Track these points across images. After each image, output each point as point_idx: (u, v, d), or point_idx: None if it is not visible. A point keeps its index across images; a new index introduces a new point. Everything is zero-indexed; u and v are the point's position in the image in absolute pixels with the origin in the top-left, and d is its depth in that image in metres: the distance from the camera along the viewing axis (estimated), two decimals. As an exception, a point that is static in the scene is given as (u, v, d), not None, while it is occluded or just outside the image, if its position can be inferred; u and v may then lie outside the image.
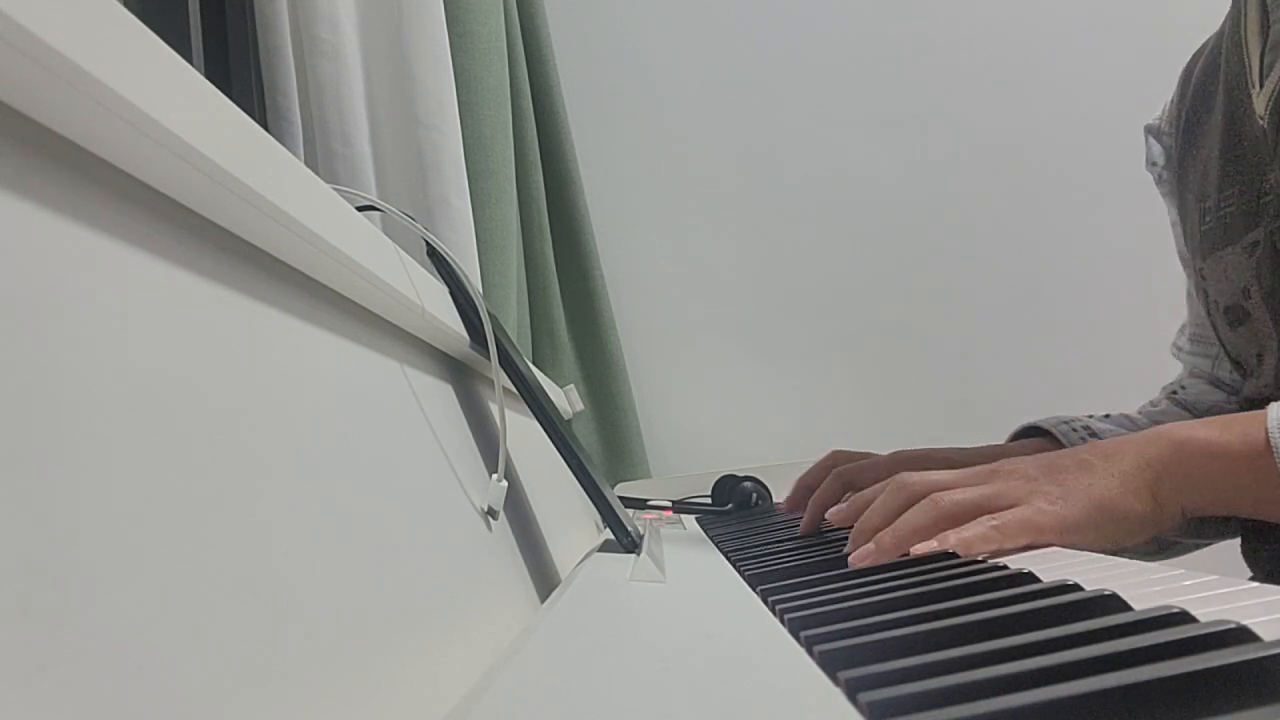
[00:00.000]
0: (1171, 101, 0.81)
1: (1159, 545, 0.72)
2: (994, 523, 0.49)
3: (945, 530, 0.50)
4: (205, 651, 0.20)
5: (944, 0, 1.59)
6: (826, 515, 0.59)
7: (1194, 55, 0.80)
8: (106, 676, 0.17)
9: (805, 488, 0.73)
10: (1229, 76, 0.70)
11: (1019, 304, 1.54)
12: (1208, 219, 0.71)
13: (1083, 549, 0.49)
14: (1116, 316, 1.52)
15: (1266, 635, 0.24)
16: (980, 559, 0.45)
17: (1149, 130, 0.84)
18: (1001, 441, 0.81)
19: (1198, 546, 0.72)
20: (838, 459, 0.76)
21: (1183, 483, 0.52)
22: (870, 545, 0.51)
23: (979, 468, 0.55)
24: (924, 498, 0.52)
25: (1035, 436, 0.78)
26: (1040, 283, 1.54)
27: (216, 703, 0.20)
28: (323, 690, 0.24)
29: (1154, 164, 0.83)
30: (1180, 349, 0.88)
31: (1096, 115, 1.55)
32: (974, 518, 0.50)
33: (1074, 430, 0.75)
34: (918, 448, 0.77)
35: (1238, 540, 0.69)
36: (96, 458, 0.19)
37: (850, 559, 0.51)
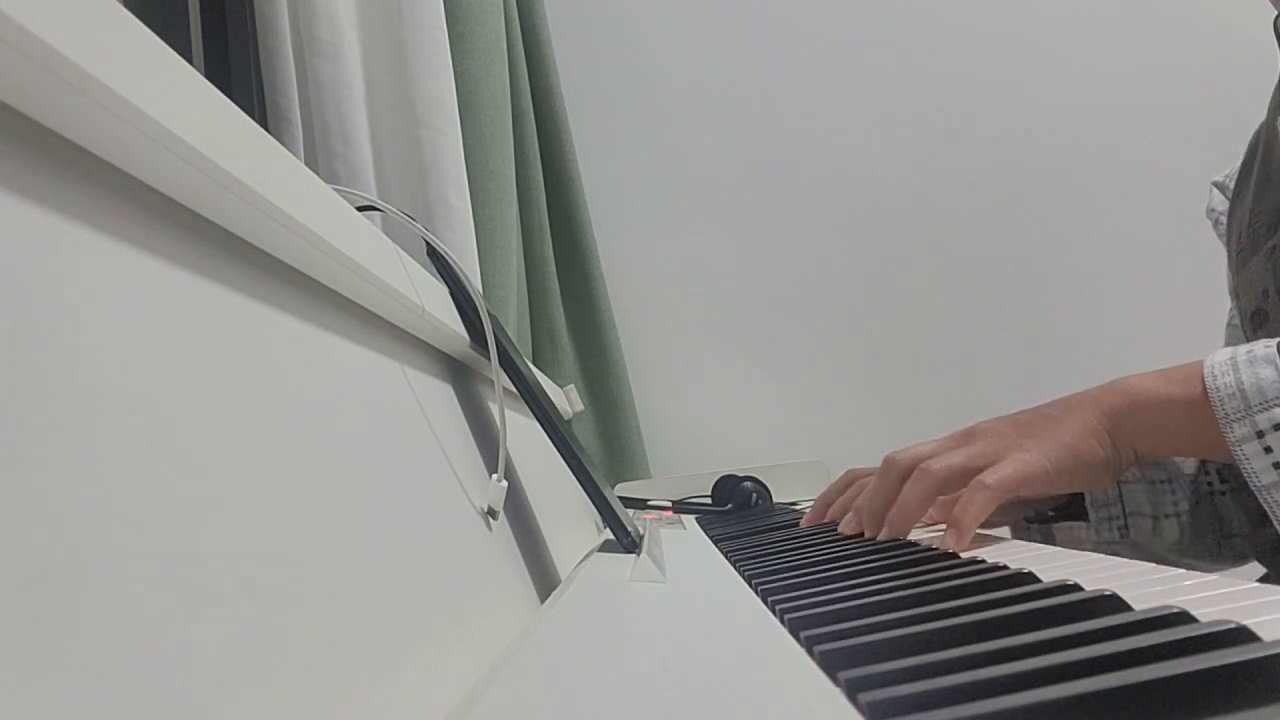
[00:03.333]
0: (1239, 165, 0.85)
1: (1147, 557, 0.73)
2: (988, 481, 0.55)
3: (943, 491, 0.57)
4: (205, 651, 0.20)
5: (944, 1, 1.59)
6: (839, 529, 0.64)
7: (1261, 125, 0.84)
8: (106, 676, 0.17)
9: (824, 503, 0.75)
10: (1269, 118, 0.76)
11: (1019, 304, 1.54)
12: (1242, 238, 0.76)
13: (1058, 491, 0.57)
14: (1118, 318, 1.52)
15: (1266, 635, 0.24)
16: (980, 559, 0.45)
17: (1215, 185, 0.89)
18: None
19: (1189, 566, 0.73)
20: (853, 476, 0.78)
21: (1132, 428, 0.58)
22: (886, 530, 0.58)
23: (956, 433, 0.62)
24: (913, 470, 0.58)
25: None
26: (1041, 284, 1.54)
27: (216, 703, 0.20)
28: (323, 690, 0.24)
29: (1213, 210, 0.88)
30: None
31: (1100, 118, 1.55)
32: (962, 479, 0.57)
33: None
34: None
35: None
36: (97, 458, 0.19)
37: (868, 533, 0.59)
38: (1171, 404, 0.57)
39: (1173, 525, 0.70)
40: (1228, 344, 0.87)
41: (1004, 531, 0.73)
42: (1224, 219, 0.85)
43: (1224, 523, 0.69)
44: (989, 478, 0.55)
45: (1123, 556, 0.72)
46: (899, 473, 0.60)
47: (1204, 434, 0.55)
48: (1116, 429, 0.59)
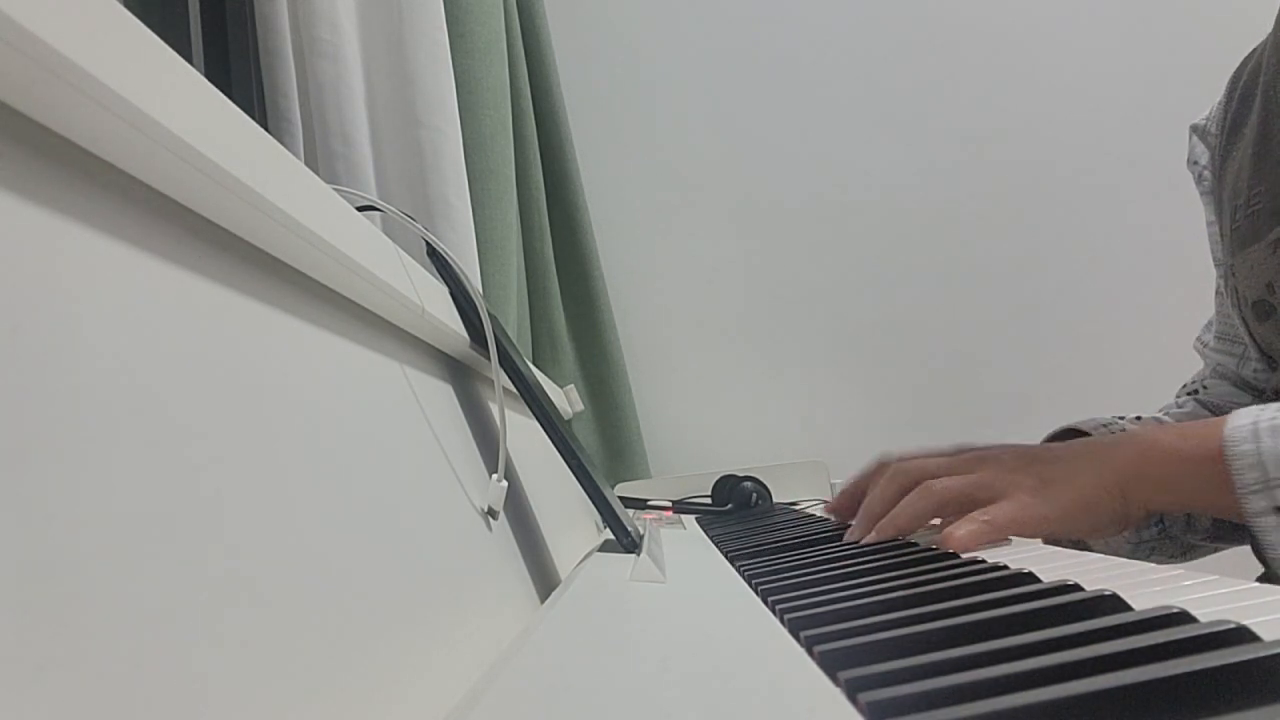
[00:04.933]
0: (1218, 104, 0.82)
1: (1183, 548, 0.73)
2: (985, 518, 0.54)
3: (937, 514, 0.57)
4: (205, 651, 0.20)
5: (944, 1, 1.59)
6: (846, 536, 0.64)
7: (1243, 60, 0.82)
8: (106, 676, 0.17)
9: (855, 493, 0.74)
10: (1268, 80, 0.73)
11: (1020, 304, 1.54)
12: (1239, 216, 0.74)
13: (1059, 537, 0.56)
14: (1118, 317, 1.52)
15: (1266, 635, 0.24)
16: (980, 559, 0.45)
17: (1194, 130, 0.85)
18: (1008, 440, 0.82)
19: (1216, 550, 0.73)
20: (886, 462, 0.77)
21: (1147, 484, 0.56)
22: (872, 533, 0.59)
23: (966, 455, 0.61)
24: (917, 484, 0.58)
25: (1072, 439, 0.79)
26: (1041, 283, 1.54)
27: (217, 702, 0.20)
28: (323, 690, 0.24)
29: (1195, 163, 0.84)
30: (1205, 344, 0.88)
31: (1099, 115, 1.55)
32: (960, 505, 0.56)
33: (1111, 433, 0.76)
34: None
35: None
36: (97, 458, 0.19)
37: (848, 535, 0.60)
38: (1185, 463, 0.56)
39: (1205, 515, 0.69)
40: (1218, 314, 0.86)
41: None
42: (1207, 173, 0.83)
43: None
44: (988, 514, 0.54)
45: (1160, 550, 0.73)
46: (902, 484, 0.60)
47: (1220, 498, 0.53)
48: (1129, 484, 0.57)
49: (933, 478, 0.58)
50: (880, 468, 0.74)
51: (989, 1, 1.59)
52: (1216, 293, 0.86)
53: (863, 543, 0.58)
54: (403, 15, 0.95)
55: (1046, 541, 0.70)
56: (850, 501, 0.72)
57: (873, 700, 0.22)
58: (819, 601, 0.37)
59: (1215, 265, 0.84)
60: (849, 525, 0.64)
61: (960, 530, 0.52)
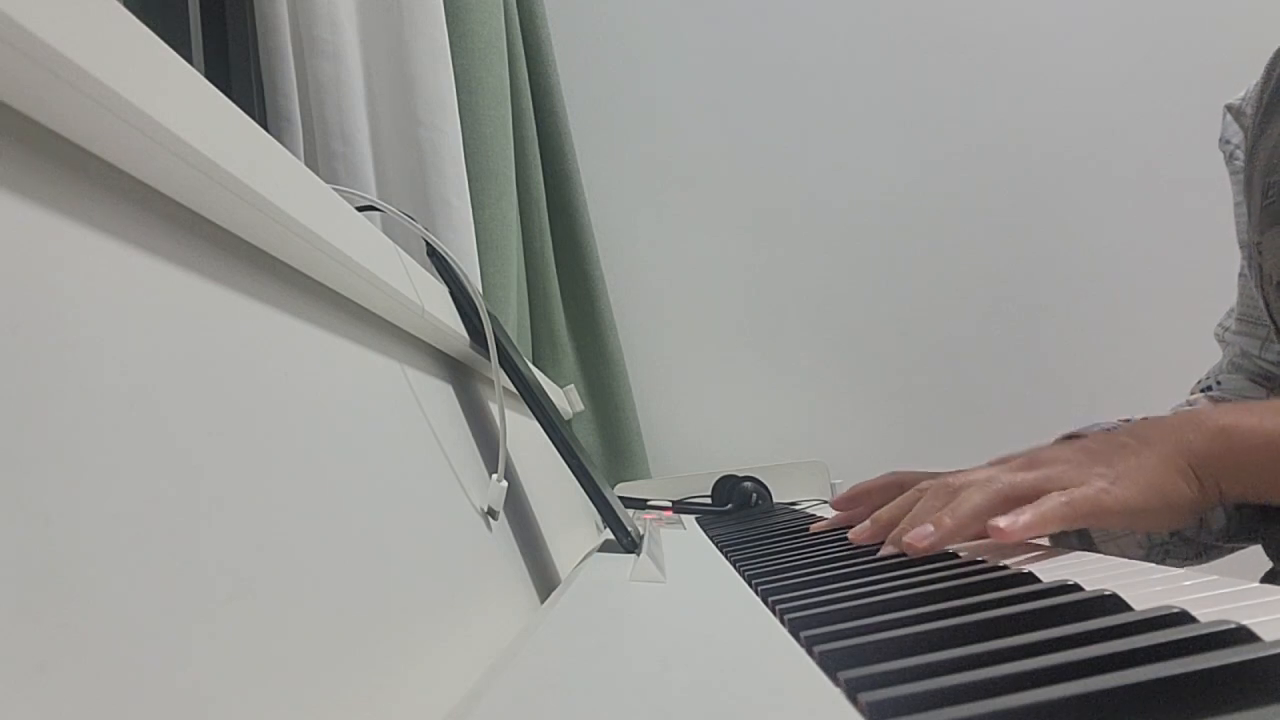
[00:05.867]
0: (1255, 85, 0.81)
1: (1198, 550, 0.72)
2: (1064, 498, 0.48)
3: (1007, 509, 0.48)
4: (205, 651, 0.20)
5: (945, 2, 1.59)
6: (849, 535, 0.56)
7: None
8: (106, 676, 0.17)
9: (861, 490, 0.69)
10: None
11: (1020, 306, 1.54)
12: (1270, 194, 0.71)
13: (1138, 529, 0.50)
14: (1121, 318, 1.52)
15: (1266, 635, 0.24)
16: (980, 559, 0.45)
17: (1229, 109, 0.83)
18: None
19: (1231, 550, 0.73)
20: (903, 480, 0.71)
21: (1222, 468, 0.52)
22: (928, 527, 0.48)
23: (1016, 460, 0.54)
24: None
25: None
26: (1042, 283, 1.54)
27: (217, 702, 0.20)
28: (323, 690, 0.24)
29: (1227, 142, 0.83)
30: (1226, 329, 0.87)
31: (1106, 118, 1.55)
32: (1032, 499, 0.49)
33: (1189, 407, 0.74)
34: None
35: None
36: (96, 457, 0.19)
37: (906, 540, 0.48)
38: (1272, 444, 0.51)
39: (1219, 513, 0.67)
40: (1240, 297, 0.86)
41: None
42: (1239, 152, 0.82)
43: (1267, 505, 0.67)
44: (1067, 495, 0.48)
45: (1174, 553, 0.71)
46: (954, 492, 0.52)
47: None
48: (1204, 467, 0.52)
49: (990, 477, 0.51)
50: (892, 482, 0.67)
51: (992, 3, 1.59)
52: (1239, 275, 0.85)
53: (923, 544, 0.48)
54: (403, 15, 0.95)
55: (1101, 540, 0.65)
56: (856, 504, 0.66)
57: (873, 700, 0.22)
58: (819, 601, 0.37)
59: (1240, 247, 0.84)
60: (847, 527, 0.57)
61: (1040, 507, 0.46)
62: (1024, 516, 0.46)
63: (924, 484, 0.57)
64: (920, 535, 0.48)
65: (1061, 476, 0.50)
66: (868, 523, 0.55)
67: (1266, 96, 0.77)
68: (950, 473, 0.56)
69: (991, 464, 0.58)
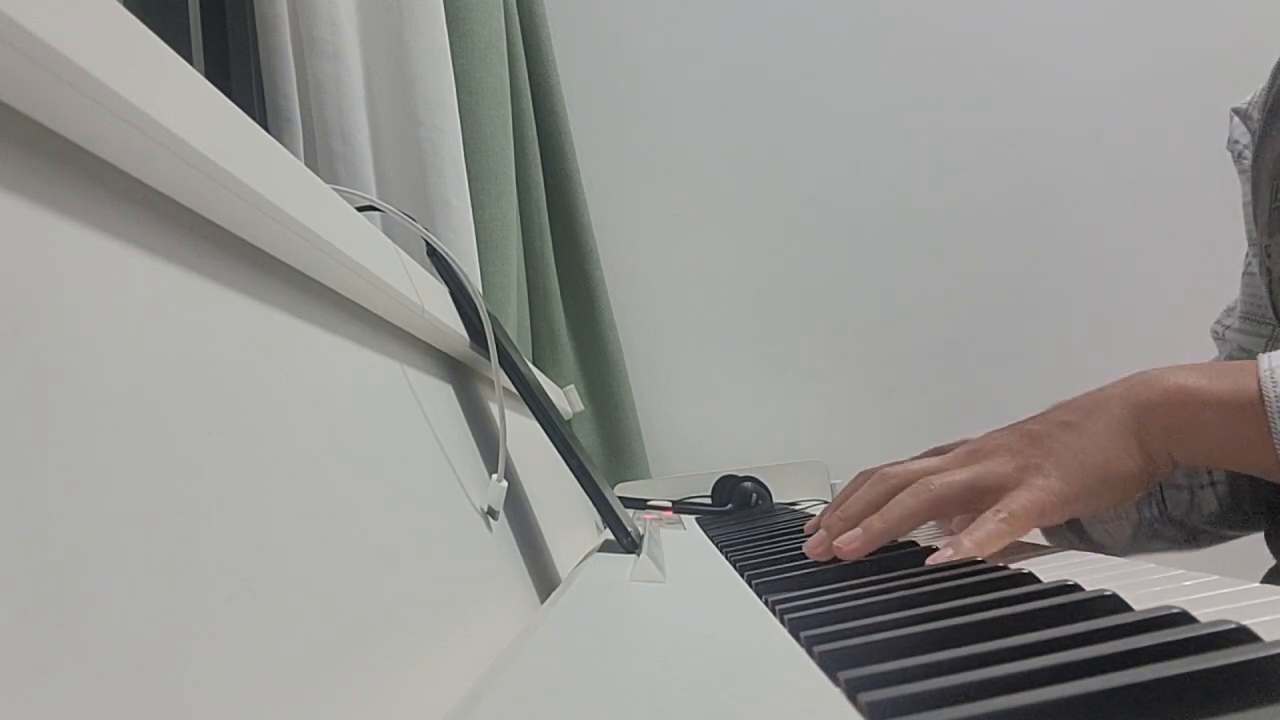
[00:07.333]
0: (1262, 88, 0.81)
1: (1188, 534, 0.71)
2: (1001, 515, 0.47)
3: (935, 515, 0.50)
4: (205, 652, 0.20)
5: (945, 2, 1.59)
6: (804, 548, 0.54)
7: None
8: (106, 677, 0.17)
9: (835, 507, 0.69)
10: None
11: (1019, 306, 1.54)
12: (1278, 197, 0.70)
13: (1084, 515, 0.48)
14: (1121, 319, 1.52)
15: (1266, 635, 0.24)
16: (980, 559, 0.45)
17: (1236, 112, 0.83)
18: None
19: (1224, 538, 0.72)
20: (866, 477, 0.70)
21: (1171, 432, 0.50)
22: (857, 531, 0.49)
23: (959, 450, 0.53)
24: (907, 486, 0.51)
25: None
26: (1042, 285, 1.54)
27: (217, 703, 0.20)
28: (323, 690, 0.24)
29: (1236, 142, 0.83)
30: (1227, 328, 0.87)
31: (1103, 119, 1.55)
32: (965, 499, 0.49)
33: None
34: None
35: (1243, 537, 0.69)
36: (96, 458, 0.19)
37: (835, 544, 0.49)
38: (1220, 407, 0.49)
39: (1209, 496, 0.66)
40: (1244, 294, 0.86)
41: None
42: (1247, 152, 0.82)
43: (1258, 487, 0.65)
44: (1005, 509, 0.47)
45: (1163, 535, 0.70)
46: (891, 486, 0.52)
47: (1257, 448, 0.47)
48: (1148, 432, 0.50)
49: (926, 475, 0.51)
50: (860, 482, 0.65)
51: (991, 4, 1.59)
52: (1244, 274, 0.85)
53: (850, 549, 0.48)
54: (403, 15, 0.95)
55: (1052, 529, 0.66)
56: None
57: (872, 700, 0.22)
58: (819, 601, 0.37)
59: (1250, 244, 0.84)
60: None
61: (975, 534, 0.45)
62: (963, 545, 0.45)
63: (862, 473, 0.57)
64: (849, 539, 0.49)
65: (997, 472, 0.49)
66: (822, 531, 0.53)
67: (1271, 100, 0.77)
68: (889, 464, 0.56)
69: (928, 453, 0.57)
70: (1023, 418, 0.61)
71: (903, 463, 0.56)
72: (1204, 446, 0.50)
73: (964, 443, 0.56)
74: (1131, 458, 0.50)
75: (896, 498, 0.50)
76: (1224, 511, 0.67)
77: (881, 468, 0.56)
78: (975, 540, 0.45)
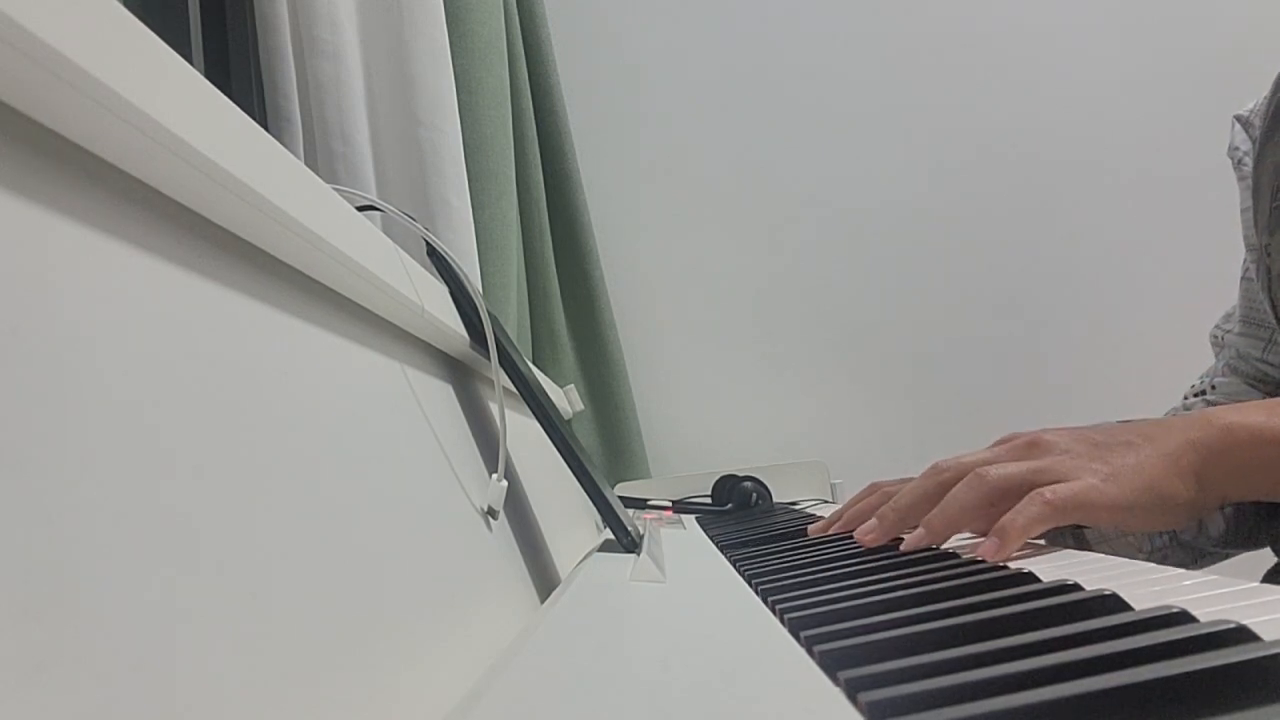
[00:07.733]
0: (1263, 98, 0.82)
1: (1194, 555, 0.72)
2: (1047, 496, 0.47)
3: (995, 506, 0.48)
4: (205, 652, 0.20)
5: (944, 2, 1.59)
6: (856, 536, 0.55)
7: None
8: (106, 677, 0.17)
9: (850, 518, 0.68)
10: None
11: (1020, 306, 1.54)
12: (1278, 198, 0.70)
13: (1128, 530, 0.48)
14: (1121, 322, 1.52)
15: (1266, 635, 0.24)
16: (980, 559, 0.45)
17: (1237, 119, 0.84)
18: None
19: (1226, 556, 0.72)
20: (879, 487, 0.70)
21: (1228, 468, 0.50)
22: (921, 531, 0.49)
23: (1014, 443, 0.53)
24: (963, 477, 0.50)
25: None
26: (1042, 286, 1.54)
27: (217, 703, 0.20)
28: (323, 690, 0.24)
29: (1236, 148, 0.83)
30: (1226, 332, 0.87)
31: (1105, 120, 1.55)
32: (1020, 492, 0.48)
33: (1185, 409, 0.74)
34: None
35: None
36: (96, 458, 0.19)
37: (901, 548, 0.49)
38: (1276, 445, 0.49)
39: (1217, 518, 0.66)
40: (1242, 299, 0.86)
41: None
42: (1247, 159, 0.82)
43: (1261, 506, 0.65)
44: (1051, 492, 0.47)
45: (1170, 559, 0.71)
46: (945, 480, 0.52)
47: None
48: (1207, 465, 0.50)
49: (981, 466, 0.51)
50: (872, 488, 0.66)
51: (991, 5, 1.59)
52: (1242, 278, 0.85)
53: (903, 547, 0.49)
54: (403, 15, 0.95)
55: (1096, 541, 0.66)
56: (831, 527, 0.64)
57: (872, 700, 0.22)
58: (819, 601, 0.37)
59: (1248, 249, 0.84)
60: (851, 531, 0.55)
61: (1019, 517, 0.45)
62: (1010, 530, 0.45)
63: (872, 485, 0.59)
64: (915, 540, 0.49)
65: (1054, 468, 0.49)
66: (874, 520, 0.54)
67: (1273, 108, 0.78)
68: (947, 460, 0.55)
69: (995, 445, 0.57)
70: (1022, 418, 0.60)
71: (957, 458, 0.55)
72: (1259, 482, 0.51)
73: (1021, 434, 0.55)
74: (1187, 487, 0.50)
75: (952, 492, 0.50)
76: (1229, 532, 0.67)
77: (937, 463, 0.55)
78: (1015, 523, 0.45)
